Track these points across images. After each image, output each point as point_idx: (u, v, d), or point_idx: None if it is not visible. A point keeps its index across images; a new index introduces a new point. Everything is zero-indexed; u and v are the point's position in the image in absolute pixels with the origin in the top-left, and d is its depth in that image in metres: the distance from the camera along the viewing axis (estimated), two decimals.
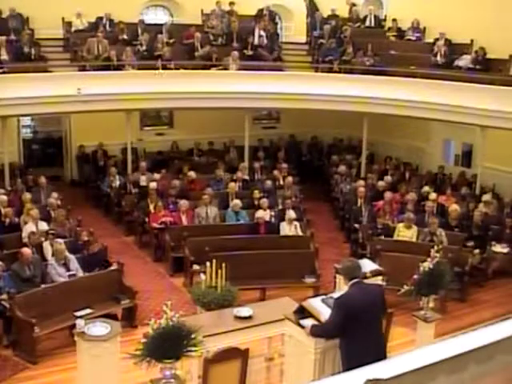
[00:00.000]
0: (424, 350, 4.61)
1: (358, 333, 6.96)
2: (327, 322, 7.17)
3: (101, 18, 20.53)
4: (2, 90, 15.79)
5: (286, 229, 14.70)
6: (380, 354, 6.61)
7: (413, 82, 18.11)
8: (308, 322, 7.40)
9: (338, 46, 20.99)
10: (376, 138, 20.97)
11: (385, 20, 22.95)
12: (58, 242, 12.42)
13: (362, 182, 17.62)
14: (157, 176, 17.87)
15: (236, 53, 19.52)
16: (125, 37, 19.94)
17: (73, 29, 20.06)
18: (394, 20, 22.01)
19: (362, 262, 10.86)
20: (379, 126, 19.91)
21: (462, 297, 13.03)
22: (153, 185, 16.58)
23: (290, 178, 17.77)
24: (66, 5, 19.41)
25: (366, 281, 8.25)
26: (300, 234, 14.82)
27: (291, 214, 14.90)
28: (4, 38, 17.97)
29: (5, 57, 17.61)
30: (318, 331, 7.26)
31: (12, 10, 19.30)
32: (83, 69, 18.36)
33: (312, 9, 23.29)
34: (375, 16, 22.80)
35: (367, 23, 22.76)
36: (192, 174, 17.87)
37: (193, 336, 7.24)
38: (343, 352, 7.13)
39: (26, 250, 11.69)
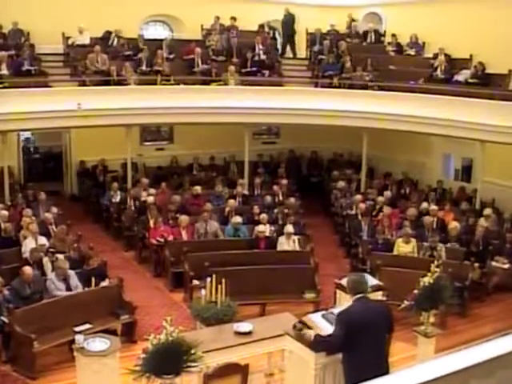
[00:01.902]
0: (424, 365, 4.58)
1: (359, 348, 6.91)
2: (330, 337, 7.12)
3: (109, 33, 20.62)
4: (3, 105, 15.82)
5: (284, 244, 14.67)
6: (381, 370, 6.56)
7: (412, 97, 18.15)
8: (310, 332, 7.36)
9: (338, 61, 21.07)
10: (376, 153, 20.99)
11: (384, 35, 23.02)
12: (59, 258, 12.43)
13: (359, 197, 17.68)
14: (153, 191, 17.82)
15: (233, 68, 19.57)
16: (126, 52, 19.99)
17: (76, 43, 20.12)
18: (394, 35, 22.11)
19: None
20: (379, 140, 19.92)
21: (463, 312, 13.00)
22: (151, 200, 16.57)
23: (292, 199, 17.73)
24: (66, 20, 19.48)
25: (371, 296, 8.24)
26: (298, 248, 14.79)
27: (289, 228, 14.89)
28: (5, 53, 18.02)
29: (5, 71, 17.66)
30: (321, 345, 7.23)
31: (14, 24, 19.38)
32: (83, 84, 18.39)
33: (288, 30, 23.38)
34: (375, 31, 22.90)
35: (368, 40, 22.85)
36: (198, 188, 17.90)
37: (192, 351, 7.23)
38: (345, 367, 7.11)
39: (28, 269, 11.62)
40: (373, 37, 22.82)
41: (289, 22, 23.24)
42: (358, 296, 7.10)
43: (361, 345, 6.90)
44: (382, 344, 7.20)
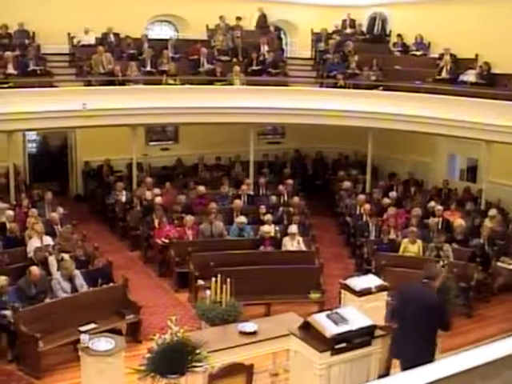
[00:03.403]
0: (429, 366, 4.58)
1: (401, 325, 7.67)
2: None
3: (106, 34, 20.64)
4: (8, 105, 15.82)
5: (288, 244, 14.66)
6: (418, 355, 7.04)
7: (418, 97, 18.13)
8: None
9: (343, 61, 21.06)
10: (381, 153, 20.96)
11: (390, 35, 23.00)
12: (64, 258, 12.46)
13: (363, 197, 17.72)
14: (158, 191, 17.79)
15: (238, 68, 19.58)
16: (130, 51, 20.02)
17: (81, 43, 20.17)
18: (399, 35, 22.10)
19: (367, 277, 10.91)
20: (384, 141, 19.90)
21: (468, 312, 12.96)
22: (158, 200, 16.57)
23: (296, 198, 17.72)
24: (71, 20, 19.51)
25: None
26: (303, 248, 14.78)
27: (293, 228, 14.88)
28: (11, 53, 18.06)
29: (12, 71, 17.69)
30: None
31: (20, 24, 19.42)
32: (89, 84, 18.41)
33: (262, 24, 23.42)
34: (383, 21, 22.88)
35: (375, 31, 22.84)
36: (202, 188, 17.90)
37: (197, 351, 7.24)
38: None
39: (35, 269, 11.65)
40: (379, 26, 22.80)
41: (262, 21, 23.29)
42: (424, 280, 7.70)
43: (402, 323, 7.64)
44: (420, 330, 7.48)
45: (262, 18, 23.17)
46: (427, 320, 7.42)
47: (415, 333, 7.40)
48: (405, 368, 7.25)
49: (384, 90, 19.15)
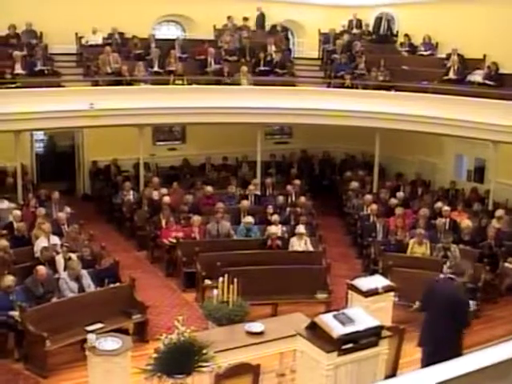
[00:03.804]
0: (437, 367, 4.56)
1: (427, 316, 8.15)
2: None
3: (113, 34, 20.68)
4: (16, 105, 15.84)
5: (296, 244, 14.65)
6: (443, 350, 7.39)
7: (425, 98, 18.10)
8: None
9: (350, 61, 21.05)
10: (388, 154, 20.93)
11: (397, 35, 22.98)
12: (72, 258, 12.49)
13: (370, 197, 17.71)
14: (165, 191, 17.78)
15: (245, 68, 19.58)
16: (137, 51, 20.04)
17: (90, 43, 20.22)
18: (406, 35, 22.08)
19: (374, 278, 10.90)
20: (391, 141, 19.87)
21: (475, 313, 12.93)
22: (166, 199, 16.57)
23: (303, 199, 17.70)
24: (79, 20, 19.56)
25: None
26: (310, 249, 14.77)
27: (301, 228, 14.87)
28: (19, 52, 18.10)
29: (20, 71, 17.74)
30: None
31: (28, 24, 19.47)
32: (96, 84, 18.44)
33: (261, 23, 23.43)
34: (388, 20, 22.86)
35: (381, 30, 22.83)
36: (209, 188, 17.93)
37: (204, 351, 7.24)
38: None
39: (42, 269, 11.68)
40: (385, 26, 22.79)
41: (260, 20, 23.31)
42: (451, 276, 8.01)
43: (428, 314, 8.10)
44: (445, 324, 7.82)
45: (261, 18, 23.18)
46: (452, 314, 7.54)
47: (440, 326, 7.55)
48: (427, 358, 7.41)
49: (391, 90, 19.11)
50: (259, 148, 19.58)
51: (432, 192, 19.68)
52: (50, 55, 19.34)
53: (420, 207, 16.96)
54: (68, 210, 16.19)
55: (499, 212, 16.32)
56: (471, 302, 9.70)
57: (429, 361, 7.34)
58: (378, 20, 23.13)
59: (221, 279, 10.09)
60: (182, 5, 22.09)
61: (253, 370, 7.99)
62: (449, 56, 20.15)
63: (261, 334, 9.35)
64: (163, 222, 15.86)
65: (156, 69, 19.49)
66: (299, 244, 14.62)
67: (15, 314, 10.81)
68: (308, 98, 18.86)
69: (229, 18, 22.14)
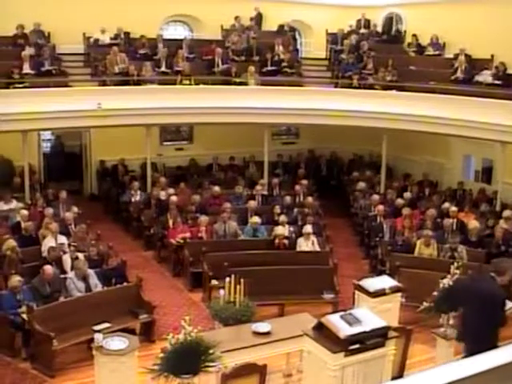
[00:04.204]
0: (444, 367, 4.55)
1: (465, 312, 8.08)
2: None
3: (117, 35, 20.70)
4: (23, 105, 15.87)
5: (303, 244, 14.64)
6: (480, 343, 7.17)
7: (433, 98, 18.04)
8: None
9: (358, 61, 21.02)
10: (395, 154, 20.90)
11: (404, 35, 22.93)
12: (79, 257, 12.52)
13: (377, 197, 17.69)
14: (172, 191, 17.79)
15: (252, 68, 19.57)
16: (144, 51, 20.06)
17: (98, 43, 20.27)
18: (414, 35, 22.04)
19: (381, 278, 10.87)
20: (399, 141, 19.84)
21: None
22: (174, 199, 16.58)
23: (310, 199, 17.68)
24: (86, 20, 19.61)
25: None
26: (317, 249, 14.75)
27: (308, 228, 14.86)
28: (27, 52, 18.14)
29: (28, 71, 17.79)
30: None
31: (36, 24, 19.50)
32: (103, 84, 18.47)
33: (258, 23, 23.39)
34: (396, 21, 22.88)
35: (392, 31, 22.89)
36: (217, 188, 17.94)
37: (211, 351, 7.24)
38: None
39: (49, 269, 11.73)
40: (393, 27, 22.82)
41: (257, 19, 23.25)
42: (491, 274, 7.93)
43: (465, 310, 8.05)
44: (478, 320, 7.73)
45: (258, 18, 23.17)
46: (491, 312, 7.53)
47: (477, 322, 7.53)
48: (466, 354, 7.43)
49: (399, 90, 19.08)
50: (266, 148, 19.57)
51: (439, 192, 19.61)
52: (58, 55, 19.37)
53: (427, 208, 16.92)
54: (75, 209, 16.22)
55: (507, 212, 16.27)
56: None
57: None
58: (389, 20, 23.12)
59: (228, 279, 10.10)
60: (190, 5, 22.07)
61: (259, 370, 7.99)
62: (456, 56, 20.11)
63: (267, 334, 9.36)
64: (170, 222, 15.87)
65: (163, 69, 19.51)
66: (306, 244, 14.61)
67: (23, 310, 10.85)
68: (315, 98, 18.82)
69: (236, 18, 22.15)
